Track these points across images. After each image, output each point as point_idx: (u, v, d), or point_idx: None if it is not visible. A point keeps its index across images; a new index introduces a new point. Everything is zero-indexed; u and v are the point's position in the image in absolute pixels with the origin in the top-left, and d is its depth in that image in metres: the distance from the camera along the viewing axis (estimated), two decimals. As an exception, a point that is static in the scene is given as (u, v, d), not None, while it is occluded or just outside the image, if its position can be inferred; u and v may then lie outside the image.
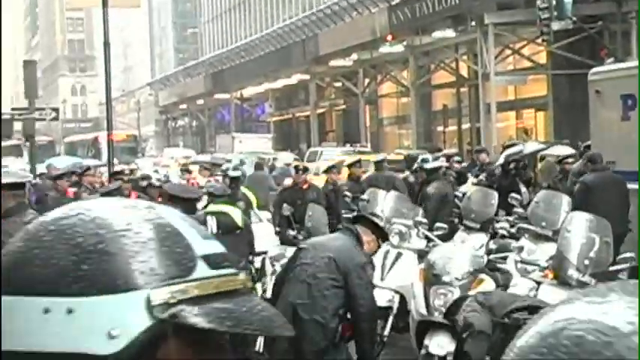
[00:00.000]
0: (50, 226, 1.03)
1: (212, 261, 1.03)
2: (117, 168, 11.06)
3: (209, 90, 54.82)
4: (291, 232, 10.48)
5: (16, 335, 0.98)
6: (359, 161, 14.38)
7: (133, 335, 0.97)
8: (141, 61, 76.74)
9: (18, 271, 1.00)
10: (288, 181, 13.78)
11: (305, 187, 12.22)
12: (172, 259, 1.00)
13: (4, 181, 5.67)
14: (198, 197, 8.00)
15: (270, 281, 9.93)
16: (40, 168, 23.55)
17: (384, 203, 10.40)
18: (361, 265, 5.98)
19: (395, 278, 8.83)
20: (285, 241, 10.64)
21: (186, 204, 7.03)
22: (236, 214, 8.68)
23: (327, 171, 13.90)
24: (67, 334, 0.96)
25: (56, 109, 25.09)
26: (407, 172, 14.89)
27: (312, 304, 5.85)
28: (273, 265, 9.76)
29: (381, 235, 6.44)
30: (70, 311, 0.97)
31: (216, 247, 1.05)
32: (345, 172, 14.84)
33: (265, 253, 10.53)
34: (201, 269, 1.01)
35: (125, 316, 0.97)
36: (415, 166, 13.08)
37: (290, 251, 10.04)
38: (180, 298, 0.99)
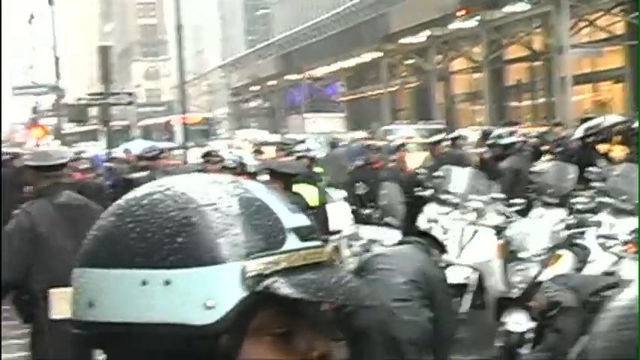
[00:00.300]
0: (142, 201, 1.05)
1: (301, 233, 1.06)
2: (206, 149, 11.01)
3: (280, 71, 54.92)
4: (366, 211, 10.47)
5: (114, 307, 1.02)
6: (441, 140, 14.23)
7: (229, 306, 1.00)
8: (212, 44, 77.27)
9: (114, 245, 1.03)
10: (359, 161, 13.74)
11: (377, 166, 12.18)
12: (263, 232, 1.03)
13: (38, 163, 5.74)
14: (297, 173, 7.96)
15: (346, 260, 9.95)
16: (117, 152, 23.91)
17: (459, 180, 10.31)
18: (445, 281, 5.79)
19: (472, 255, 8.76)
20: (359, 219, 10.62)
21: (285, 179, 7.13)
22: (309, 193, 8.66)
23: (398, 149, 13.82)
24: (165, 305, 0.99)
25: (131, 94, 25.44)
26: (483, 148, 14.72)
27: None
28: (349, 245, 9.78)
29: (442, 250, 6.17)
30: (167, 283, 1.00)
31: (304, 220, 1.08)
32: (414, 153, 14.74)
33: (340, 232, 10.54)
34: (291, 241, 1.04)
35: (221, 288, 1.00)
36: (491, 141, 12.92)
37: (365, 230, 10.06)
38: (273, 269, 1.02)
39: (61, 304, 5.41)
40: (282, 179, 7.24)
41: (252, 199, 1.05)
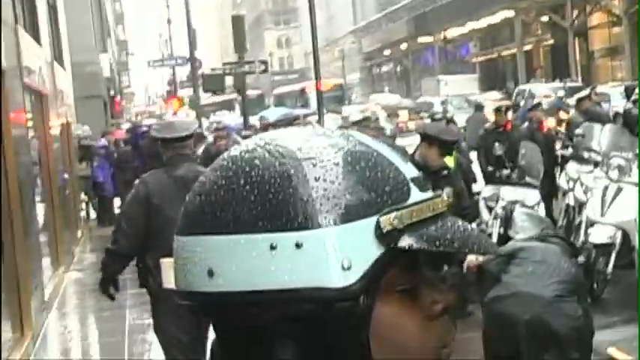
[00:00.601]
0: (254, 161, 0.99)
1: (419, 184, 1.01)
2: (360, 116, 10.68)
3: (412, 34, 54.49)
4: (505, 172, 10.32)
5: (243, 275, 0.95)
6: (583, 97, 13.82)
7: (366, 265, 0.95)
8: (342, 9, 77.22)
9: (233, 210, 0.96)
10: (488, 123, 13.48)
11: (509, 127, 11.96)
12: (390, 185, 0.98)
13: (162, 135, 5.89)
14: (456, 140, 7.31)
15: (488, 222, 9.83)
16: (253, 120, 24.27)
17: (601, 137, 10.00)
18: None
19: (616, 214, 8.51)
20: (496, 180, 10.48)
21: (444, 146, 6.51)
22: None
23: (532, 109, 13.51)
24: (298, 269, 0.94)
25: (265, 62, 25.67)
26: (628, 104, 14.22)
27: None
28: (488, 207, 9.67)
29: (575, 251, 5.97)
30: (298, 245, 0.94)
31: (415, 170, 1.03)
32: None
33: (478, 193, 10.43)
34: (415, 193, 1.00)
35: (356, 246, 0.95)
36: (634, 97, 12.47)
37: (505, 191, 9.92)
38: (406, 223, 0.97)
39: (171, 275, 5.52)
40: (441, 146, 6.47)
41: (372, 151, 1.01)
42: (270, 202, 0.95)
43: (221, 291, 0.96)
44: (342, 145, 0.99)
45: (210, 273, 0.96)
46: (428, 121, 11.66)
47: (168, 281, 5.54)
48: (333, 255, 0.94)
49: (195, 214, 0.99)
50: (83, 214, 19.10)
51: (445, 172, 6.63)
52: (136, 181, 6.10)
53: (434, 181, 6.00)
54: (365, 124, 9.85)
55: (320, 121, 20.57)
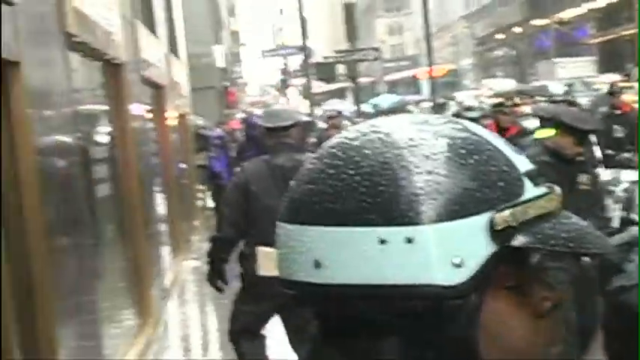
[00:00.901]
0: (365, 151, 0.96)
1: (534, 178, 0.98)
2: (498, 99, 10.31)
3: (526, 17, 53.53)
4: (626, 155, 10.05)
5: (351, 268, 0.93)
6: None
7: (479, 262, 0.93)
8: (454, -6, 76.41)
9: (343, 201, 0.94)
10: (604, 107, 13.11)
11: (626, 109, 11.60)
12: (504, 180, 0.95)
13: (265, 124, 6.01)
14: (595, 129, 6.84)
15: (609, 207, 9.58)
16: (365, 107, 24.25)
17: None
18: None
19: None
20: (616, 164, 10.22)
21: (581, 134, 6.00)
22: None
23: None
24: (407, 264, 0.92)
25: (376, 49, 25.61)
26: None
27: None
28: (609, 192, 9.41)
29: None
30: (409, 241, 0.92)
31: (528, 163, 1.00)
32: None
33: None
34: (529, 188, 0.97)
35: (469, 243, 0.93)
36: None
37: (626, 174, 9.65)
38: (520, 220, 0.94)
39: (267, 263, 5.62)
40: (578, 135, 5.93)
41: (486, 143, 0.97)
42: (381, 195, 0.93)
43: (327, 283, 0.95)
44: (454, 137, 0.97)
45: (317, 264, 0.95)
46: (545, 104, 11.39)
47: (264, 269, 5.64)
48: (445, 251, 0.92)
49: (301, 202, 0.98)
50: (200, 203, 19.44)
51: (580, 158, 6.37)
52: (237, 169, 6.22)
53: (569, 169, 5.81)
54: (497, 109, 9.40)
55: (433, 108, 20.41)
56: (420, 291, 0.92)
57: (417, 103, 23.53)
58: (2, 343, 4.14)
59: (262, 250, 5.67)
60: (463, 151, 0.95)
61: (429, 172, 0.93)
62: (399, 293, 0.92)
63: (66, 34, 6.04)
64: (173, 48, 16.29)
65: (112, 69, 8.31)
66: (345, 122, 17.47)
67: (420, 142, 0.95)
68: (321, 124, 17.07)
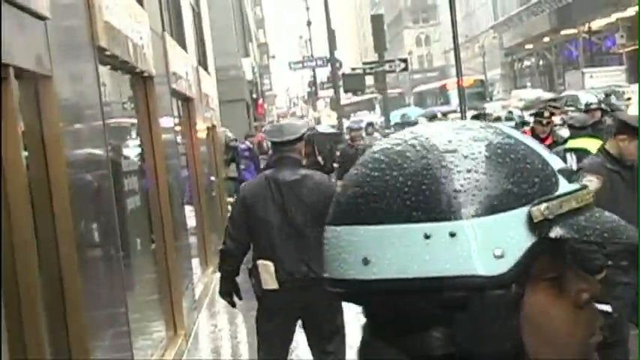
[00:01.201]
0: (406, 153, 1.02)
1: (567, 175, 1.04)
2: (536, 109, 10.02)
3: (554, 27, 53.27)
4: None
5: (397, 263, 0.99)
6: None
7: (518, 254, 0.98)
8: (482, 4, 76.26)
9: (389, 201, 1.00)
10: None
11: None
12: (539, 176, 1.01)
13: (269, 138, 6.07)
14: None
15: None
16: (393, 119, 24.23)
17: None
18: None
19: None
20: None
21: None
22: (594, 147, 8.25)
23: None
24: (451, 257, 0.97)
25: (404, 60, 25.60)
26: None
27: None
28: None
29: None
30: (452, 235, 0.97)
31: (561, 162, 1.06)
32: None
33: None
34: (563, 184, 1.02)
35: (508, 236, 0.98)
36: None
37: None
38: (557, 213, 1.00)
39: (267, 277, 5.65)
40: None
41: (520, 143, 1.03)
42: (424, 193, 0.99)
43: (376, 278, 1.00)
44: (489, 139, 1.03)
45: (365, 261, 1.00)
46: (578, 114, 11.31)
47: (265, 283, 5.67)
48: (486, 244, 0.97)
49: (349, 205, 1.04)
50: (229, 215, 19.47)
51: None
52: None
53: (629, 174, 5.68)
54: (537, 119, 9.40)
55: (462, 119, 20.35)
56: (463, 282, 0.97)
57: (446, 114, 23.51)
58: (36, 354, 4.16)
59: (262, 264, 5.73)
60: (500, 151, 1.01)
61: (469, 171, 0.99)
62: (444, 285, 0.97)
63: (96, 48, 6.08)
64: (202, 61, 16.38)
65: (142, 82, 8.36)
66: (376, 134, 17.55)
67: (459, 144, 1.01)
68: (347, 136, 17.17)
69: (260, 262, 5.71)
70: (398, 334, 1.02)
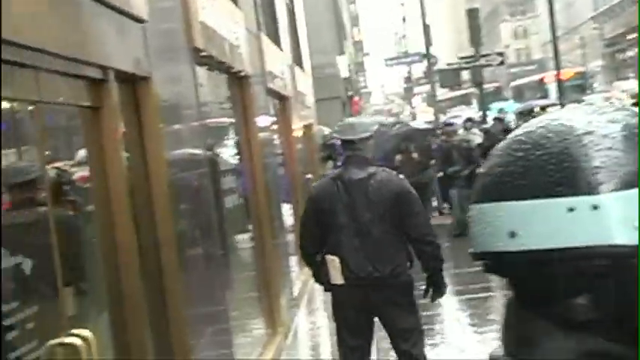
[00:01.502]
0: (549, 134, 1.12)
1: None
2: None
3: (657, 16, 51.82)
4: None
5: (543, 235, 1.07)
6: None
7: None
8: (581, -5, 74.69)
9: (534, 177, 1.09)
10: None
11: None
12: None
13: (339, 136, 6.11)
14: None
15: None
16: (491, 114, 23.91)
17: None
18: None
19: None
20: None
21: None
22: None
23: None
24: (593, 229, 1.05)
25: (501, 54, 25.26)
26: None
27: None
28: None
29: None
30: (594, 207, 1.06)
31: None
32: None
33: None
34: None
35: None
36: None
37: None
38: None
39: (334, 272, 5.67)
40: None
41: None
42: (567, 170, 1.08)
43: (522, 250, 1.09)
44: (626, 120, 1.12)
45: (512, 234, 1.10)
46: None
47: (332, 278, 5.76)
48: (626, 216, 1.05)
49: (494, 183, 1.14)
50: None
51: None
52: None
53: None
54: None
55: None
56: (607, 251, 1.05)
57: (544, 107, 23.07)
58: (139, 353, 4.23)
59: (330, 259, 5.81)
60: (635, 130, 1.10)
61: (609, 149, 1.08)
62: (586, 254, 1.06)
63: (193, 49, 6.16)
64: (297, 59, 16.45)
65: (238, 82, 8.44)
66: (474, 129, 17.38)
67: (597, 125, 1.11)
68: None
69: (328, 257, 5.79)
70: (542, 302, 1.11)
